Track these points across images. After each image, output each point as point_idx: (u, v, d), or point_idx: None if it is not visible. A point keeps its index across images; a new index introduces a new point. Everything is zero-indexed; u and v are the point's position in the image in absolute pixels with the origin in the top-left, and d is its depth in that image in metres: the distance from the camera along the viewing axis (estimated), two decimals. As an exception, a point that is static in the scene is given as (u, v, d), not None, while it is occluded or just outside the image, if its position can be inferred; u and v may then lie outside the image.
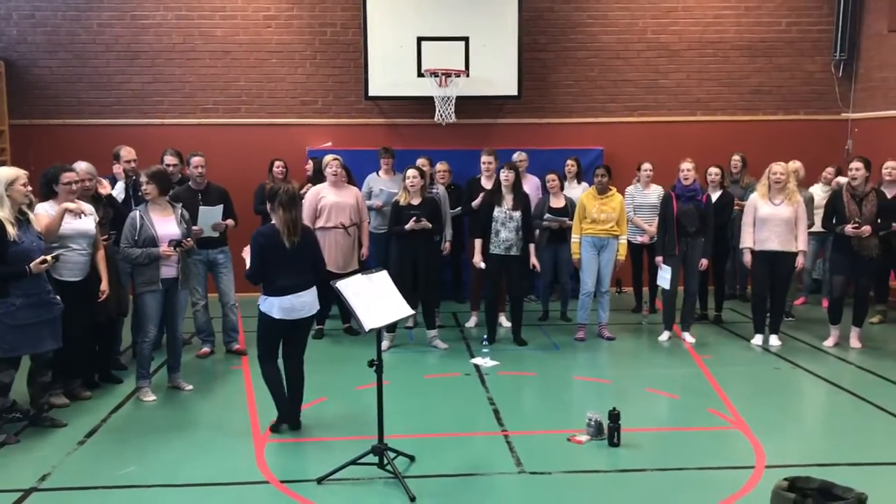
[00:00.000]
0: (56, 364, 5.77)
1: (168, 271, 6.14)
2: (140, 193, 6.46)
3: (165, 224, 6.14)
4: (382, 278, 4.75)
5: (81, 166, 6.20)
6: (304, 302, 5.38)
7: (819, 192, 8.94)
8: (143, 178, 6.21)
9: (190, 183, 7.32)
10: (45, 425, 5.61)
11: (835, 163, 9.50)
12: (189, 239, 6.22)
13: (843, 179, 8.19)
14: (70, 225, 5.78)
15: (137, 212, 6.10)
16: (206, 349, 7.50)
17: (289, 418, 5.54)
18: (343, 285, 4.57)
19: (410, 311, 4.67)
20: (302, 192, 7.62)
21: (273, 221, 5.35)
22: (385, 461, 4.70)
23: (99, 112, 9.95)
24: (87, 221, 5.95)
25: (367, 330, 4.50)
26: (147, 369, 6.34)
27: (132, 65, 9.96)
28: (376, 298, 4.63)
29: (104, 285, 6.03)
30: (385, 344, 7.60)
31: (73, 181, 5.88)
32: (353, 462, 4.72)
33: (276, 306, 5.27)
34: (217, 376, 6.94)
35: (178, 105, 10.04)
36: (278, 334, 5.45)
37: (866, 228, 7.27)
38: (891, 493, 4.42)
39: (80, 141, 9.58)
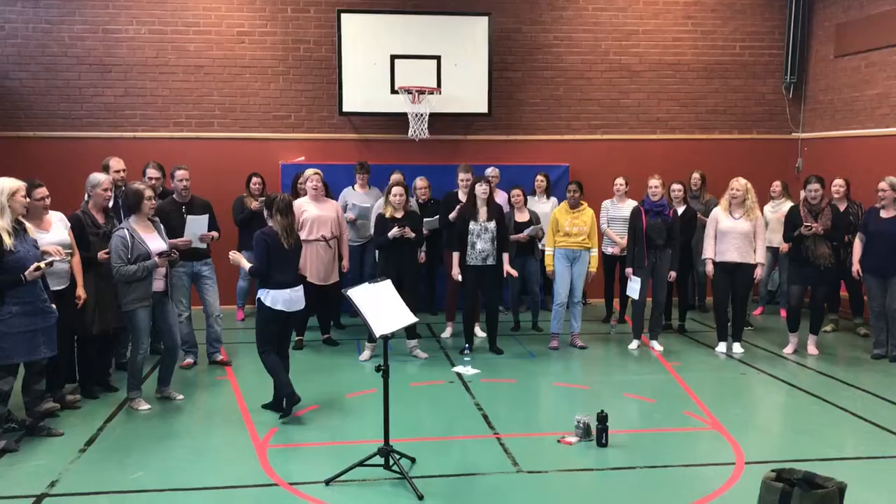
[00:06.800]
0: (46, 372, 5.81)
1: (158, 284, 6.29)
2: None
3: (153, 239, 6.29)
4: (387, 287, 4.95)
5: (100, 177, 6.43)
6: (299, 296, 6.19)
7: (769, 209, 9.44)
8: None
9: (174, 196, 7.41)
10: (42, 434, 5.65)
11: (786, 179, 10.00)
12: (174, 251, 6.45)
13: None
14: (47, 238, 5.84)
15: (125, 230, 6.14)
16: (189, 360, 7.55)
17: (288, 397, 6.07)
18: (354, 293, 4.76)
19: (414, 319, 4.88)
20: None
21: (270, 225, 6.09)
22: (391, 462, 4.89)
23: (70, 125, 9.90)
24: (59, 232, 6.03)
25: (378, 336, 4.70)
26: (139, 380, 6.42)
27: (104, 78, 9.94)
28: (383, 306, 4.83)
29: (79, 290, 6.15)
30: (367, 354, 7.80)
31: (44, 196, 5.95)
32: (361, 463, 4.90)
33: (280, 300, 6.00)
34: (204, 386, 7.02)
35: (150, 118, 10.05)
36: (276, 326, 6.12)
37: (817, 226, 7.71)
38: (860, 486, 4.77)
39: (50, 153, 9.62)
